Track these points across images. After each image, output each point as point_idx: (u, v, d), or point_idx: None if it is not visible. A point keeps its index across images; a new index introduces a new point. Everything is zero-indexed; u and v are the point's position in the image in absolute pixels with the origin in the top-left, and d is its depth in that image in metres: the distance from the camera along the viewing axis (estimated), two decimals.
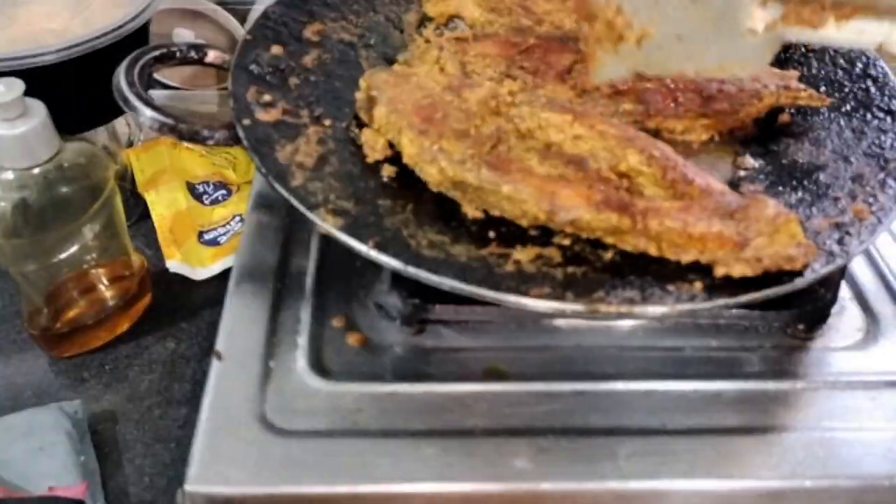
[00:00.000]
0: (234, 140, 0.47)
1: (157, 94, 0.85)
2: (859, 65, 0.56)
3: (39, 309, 0.60)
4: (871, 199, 0.45)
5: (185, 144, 0.80)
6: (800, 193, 0.47)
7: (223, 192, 0.72)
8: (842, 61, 0.56)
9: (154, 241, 0.70)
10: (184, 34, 0.84)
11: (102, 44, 0.64)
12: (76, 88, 0.67)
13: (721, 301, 0.39)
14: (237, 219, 0.70)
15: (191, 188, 0.75)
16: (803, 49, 0.58)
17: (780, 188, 0.48)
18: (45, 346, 0.61)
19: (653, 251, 0.41)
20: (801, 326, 0.47)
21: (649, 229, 0.41)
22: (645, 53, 0.47)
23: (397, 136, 0.46)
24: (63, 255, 0.61)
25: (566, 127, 0.46)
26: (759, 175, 0.50)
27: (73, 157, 0.62)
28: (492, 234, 0.44)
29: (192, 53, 0.51)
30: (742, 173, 0.50)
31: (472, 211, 0.44)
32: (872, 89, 0.54)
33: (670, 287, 0.40)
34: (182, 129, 0.46)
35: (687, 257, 0.41)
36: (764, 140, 0.52)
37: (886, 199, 0.45)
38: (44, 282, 0.61)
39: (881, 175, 0.47)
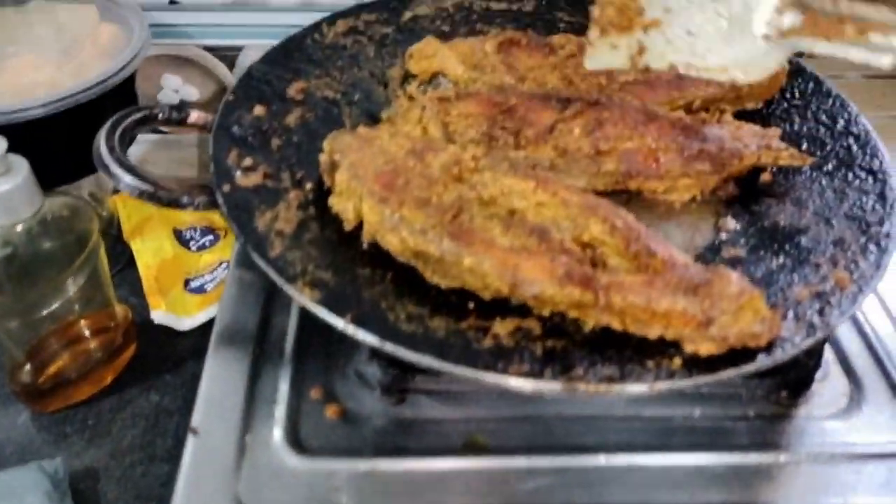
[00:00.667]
0: (215, 205, 0.47)
1: (143, 139, 0.85)
2: (841, 121, 0.56)
3: (21, 364, 0.60)
4: (852, 266, 0.45)
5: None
6: (781, 258, 0.47)
7: (210, 237, 0.72)
8: (824, 118, 0.56)
9: (140, 288, 0.70)
10: (172, 80, 0.84)
11: (89, 96, 0.65)
12: (63, 141, 0.68)
13: (701, 378, 0.39)
14: (224, 265, 0.70)
15: (177, 234, 0.75)
16: (785, 105, 0.58)
17: (762, 252, 0.48)
18: (27, 401, 0.60)
19: (617, 325, 0.41)
20: (784, 393, 0.47)
21: (612, 304, 0.41)
22: (648, 44, 0.46)
23: (358, 203, 0.46)
24: (46, 311, 0.61)
25: (528, 194, 0.46)
26: (740, 238, 0.50)
27: (57, 210, 0.61)
28: (471, 304, 0.44)
29: (175, 114, 0.51)
30: (723, 236, 0.50)
31: (437, 280, 0.44)
32: (854, 147, 0.54)
33: (650, 363, 0.40)
34: (161, 195, 0.46)
35: (652, 333, 0.41)
36: (746, 200, 0.52)
37: (868, 267, 0.45)
38: (26, 336, 0.61)
39: (862, 239, 0.47)
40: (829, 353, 0.50)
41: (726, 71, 0.45)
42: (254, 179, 0.48)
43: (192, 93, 0.85)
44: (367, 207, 0.45)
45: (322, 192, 0.49)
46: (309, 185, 0.50)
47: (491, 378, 0.38)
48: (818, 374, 0.48)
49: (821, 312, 0.42)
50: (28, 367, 0.60)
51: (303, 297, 0.41)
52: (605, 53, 0.47)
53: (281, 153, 0.51)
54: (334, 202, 0.47)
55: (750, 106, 0.58)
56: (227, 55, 0.82)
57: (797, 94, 0.58)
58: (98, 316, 0.65)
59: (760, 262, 0.47)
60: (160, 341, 0.68)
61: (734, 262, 0.47)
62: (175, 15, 0.78)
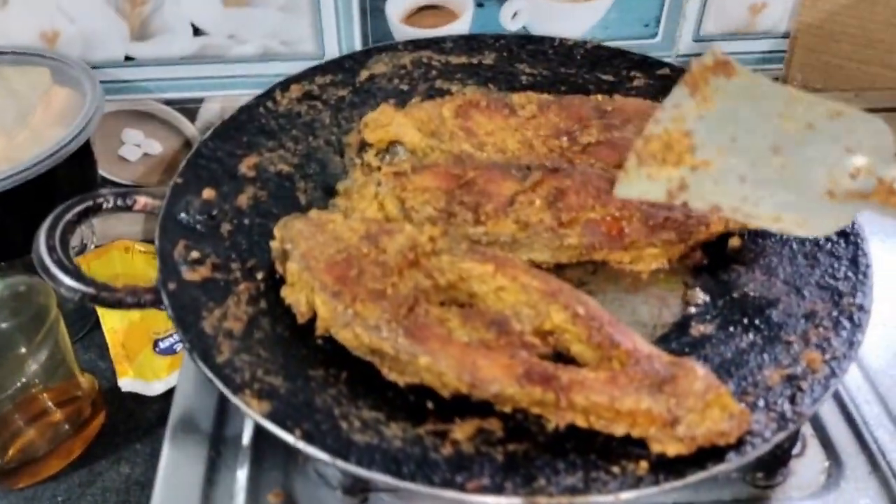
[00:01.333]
0: (161, 302, 0.45)
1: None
2: None
3: None
4: (824, 344, 0.43)
5: (139, 247, 0.78)
6: (751, 336, 0.45)
7: None
8: None
9: (108, 351, 0.68)
10: (133, 135, 0.82)
11: (43, 168, 0.62)
12: (18, 214, 0.65)
13: (668, 484, 0.37)
14: None
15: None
16: None
17: (731, 329, 0.46)
18: None
19: (581, 423, 0.40)
20: (759, 474, 0.45)
21: (574, 404, 0.39)
22: (691, 182, 0.42)
23: (311, 295, 0.44)
24: (9, 391, 0.59)
25: (488, 278, 0.44)
26: (709, 312, 0.48)
27: (11, 290, 0.60)
28: (430, 403, 0.42)
29: (120, 201, 0.49)
30: (692, 310, 0.48)
31: (394, 377, 0.42)
32: None
33: (615, 469, 0.38)
34: (104, 297, 0.44)
35: (618, 430, 0.39)
36: (714, 268, 0.51)
37: (840, 345, 0.43)
38: None
39: (834, 312, 0.45)
40: (806, 427, 0.48)
41: (780, 221, 0.42)
42: (202, 273, 0.46)
43: (155, 146, 0.83)
44: (320, 302, 0.44)
45: (274, 281, 0.47)
46: (260, 275, 0.48)
47: (449, 495, 0.36)
48: (794, 450, 0.46)
49: (792, 400, 0.41)
50: None
51: (250, 410, 0.39)
52: (640, 183, 0.43)
53: (231, 240, 0.49)
54: (286, 294, 0.46)
55: None
56: (188, 107, 0.80)
57: None
58: (62, 387, 0.63)
59: (730, 341, 0.45)
60: (129, 408, 0.67)
61: (703, 341, 0.45)
62: (132, 70, 0.76)
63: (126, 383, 0.67)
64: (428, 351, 0.40)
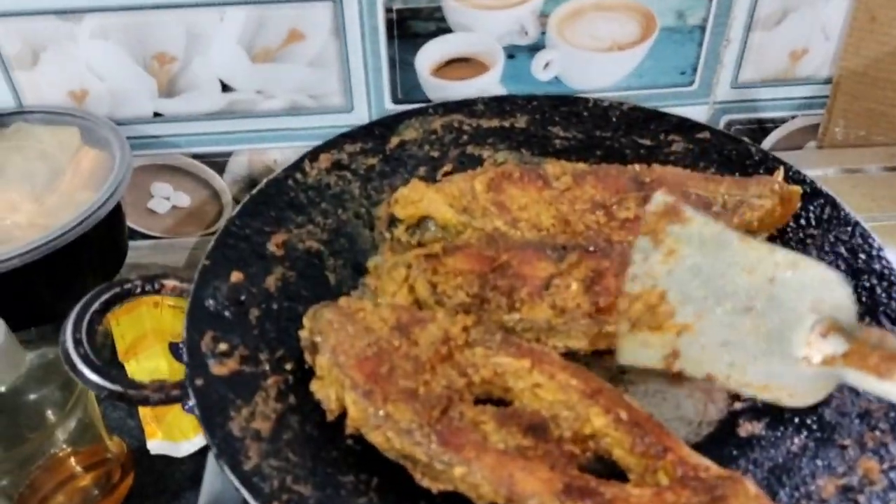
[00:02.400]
0: (187, 398, 0.44)
1: (137, 245, 0.83)
2: (862, 255, 0.52)
3: None
4: (881, 451, 0.41)
5: (167, 301, 0.78)
6: (803, 437, 0.43)
7: None
8: (843, 251, 0.52)
9: (137, 409, 0.67)
10: (162, 188, 0.82)
11: (72, 237, 0.62)
12: (46, 282, 0.65)
13: None
14: None
15: (173, 349, 0.72)
16: (801, 234, 0.54)
17: (781, 428, 0.44)
18: None
19: None
20: None
21: None
22: (682, 348, 0.42)
23: (341, 391, 0.43)
24: (39, 462, 0.58)
25: (524, 374, 0.42)
26: (756, 407, 0.46)
27: (41, 360, 0.59)
28: None
29: (148, 286, 0.48)
30: (738, 406, 0.46)
31: (427, 483, 0.41)
32: (878, 289, 0.49)
33: None
34: (131, 395, 0.43)
35: None
36: None
37: None
38: (14, 490, 0.59)
39: (892, 413, 0.43)
40: None
41: (769, 390, 0.41)
42: (230, 366, 0.45)
43: (184, 199, 0.83)
44: (350, 401, 0.42)
45: (303, 373, 0.46)
46: (289, 366, 0.47)
47: None
48: None
49: None
50: None
51: None
52: (637, 350, 0.44)
53: (260, 327, 0.48)
54: (315, 388, 0.44)
55: (761, 237, 0.54)
56: (217, 161, 0.80)
57: (813, 222, 0.54)
58: (91, 450, 0.63)
59: (780, 443, 0.43)
60: (157, 469, 0.66)
61: (751, 442, 0.43)
62: (160, 126, 0.76)
63: (155, 445, 0.66)
64: (463, 460, 0.39)
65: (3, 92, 0.72)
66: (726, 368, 0.41)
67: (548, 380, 0.42)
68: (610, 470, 0.41)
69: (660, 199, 0.43)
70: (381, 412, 0.41)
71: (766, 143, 0.82)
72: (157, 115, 0.76)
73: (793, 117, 0.80)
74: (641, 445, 0.39)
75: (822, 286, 0.39)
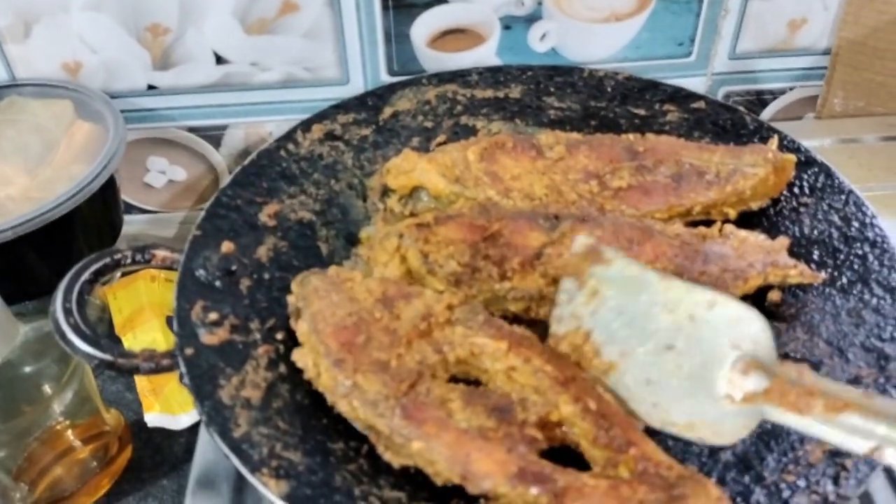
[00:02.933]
0: (178, 366, 0.44)
1: (133, 219, 0.83)
2: (856, 223, 0.51)
3: (10, 489, 0.58)
4: None
5: (163, 275, 0.78)
6: None
7: None
8: (836, 219, 0.52)
9: (134, 382, 0.67)
10: (158, 162, 0.82)
11: (65, 209, 0.62)
12: (40, 255, 0.65)
13: None
14: None
15: (170, 323, 0.72)
16: (794, 203, 0.54)
17: None
18: None
19: None
20: None
21: None
22: (611, 385, 0.42)
23: (317, 359, 0.43)
24: (35, 434, 0.59)
25: (500, 356, 0.42)
26: None
27: (36, 333, 0.60)
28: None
29: (138, 257, 0.48)
30: None
31: (389, 456, 0.41)
32: (870, 257, 0.49)
33: None
34: (122, 363, 0.43)
35: None
36: None
37: None
38: (12, 462, 0.59)
39: (881, 379, 0.43)
40: None
41: (694, 429, 0.40)
42: (220, 336, 0.45)
43: (180, 172, 0.83)
44: (323, 368, 0.42)
45: (294, 342, 0.46)
46: (280, 335, 0.47)
47: None
48: None
49: (835, 481, 0.38)
50: (21, 487, 0.58)
51: (268, 490, 0.38)
52: None
53: (251, 297, 0.48)
54: (297, 356, 0.44)
55: (755, 206, 0.53)
56: (212, 134, 0.80)
57: (807, 190, 0.54)
58: (88, 423, 0.63)
59: None
60: (155, 441, 0.67)
61: None
62: (155, 99, 0.76)
63: (152, 418, 0.66)
64: (422, 435, 0.39)
65: None
66: (650, 408, 0.41)
67: (523, 363, 0.42)
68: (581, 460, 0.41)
69: (581, 240, 0.45)
70: (350, 381, 0.41)
71: (765, 115, 0.81)
72: (151, 87, 0.75)
73: (791, 88, 0.80)
74: (605, 437, 0.39)
75: (741, 323, 0.39)
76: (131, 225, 0.85)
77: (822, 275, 0.48)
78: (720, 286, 0.47)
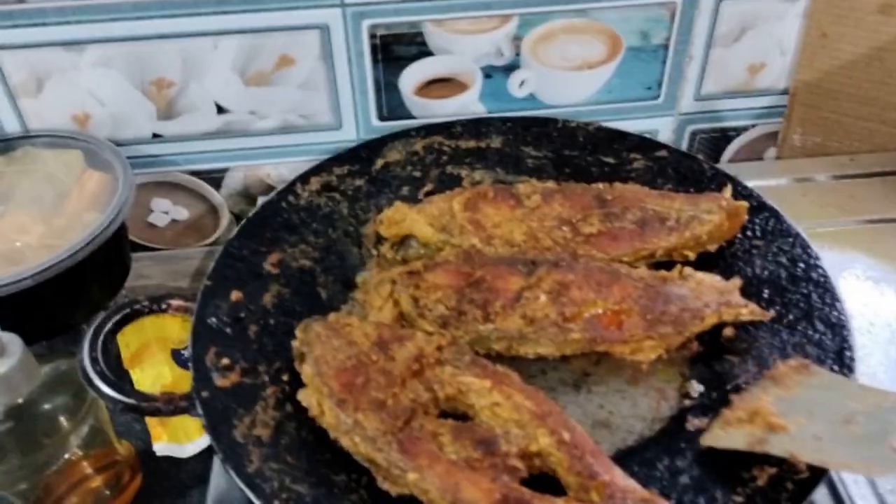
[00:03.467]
0: (194, 409, 0.49)
1: (138, 256, 0.88)
2: (801, 265, 0.57)
3: None
4: None
5: (170, 312, 0.82)
6: None
7: None
8: (784, 260, 0.58)
9: None
10: (161, 203, 0.86)
11: (80, 257, 0.66)
12: (55, 299, 0.70)
13: None
14: None
15: (176, 356, 0.76)
16: (747, 245, 0.60)
17: None
18: None
19: None
20: None
21: None
22: (770, 438, 0.46)
23: (321, 399, 0.48)
24: (53, 468, 0.63)
25: (485, 393, 0.47)
26: (703, 402, 0.51)
27: (54, 371, 0.63)
28: None
29: (155, 306, 0.53)
30: (688, 402, 0.52)
31: (387, 486, 0.46)
32: (814, 296, 0.55)
33: None
34: (144, 407, 0.48)
35: None
36: (710, 358, 0.54)
37: None
38: (31, 494, 0.63)
39: None
40: None
41: (850, 466, 0.45)
42: (232, 379, 0.50)
43: (182, 212, 0.87)
44: (327, 408, 0.48)
45: (299, 383, 0.51)
46: (286, 377, 0.52)
47: None
48: None
49: (776, 502, 0.44)
50: None
51: None
52: (723, 437, 0.48)
53: (258, 342, 0.53)
54: (302, 396, 0.50)
55: (712, 248, 0.59)
56: (214, 176, 0.84)
57: (758, 233, 0.60)
58: (101, 453, 0.66)
59: None
60: (164, 469, 0.69)
61: (698, 435, 0.49)
62: (159, 146, 0.80)
63: (160, 447, 0.70)
64: (417, 467, 0.44)
65: (10, 118, 0.76)
66: (814, 453, 0.44)
67: (505, 399, 0.48)
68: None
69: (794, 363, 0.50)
70: (351, 419, 0.47)
71: (729, 150, 0.87)
72: (156, 135, 0.80)
73: (753, 126, 0.85)
74: (578, 465, 0.45)
75: None
76: (136, 261, 0.89)
77: (770, 313, 0.54)
78: (679, 324, 0.53)
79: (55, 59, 0.72)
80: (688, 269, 0.56)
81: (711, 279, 0.55)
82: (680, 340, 0.53)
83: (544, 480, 0.46)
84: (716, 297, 0.53)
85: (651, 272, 0.56)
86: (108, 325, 0.50)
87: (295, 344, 0.51)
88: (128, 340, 0.79)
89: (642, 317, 0.53)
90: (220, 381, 0.50)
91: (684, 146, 0.84)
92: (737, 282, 0.55)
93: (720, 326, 0.55)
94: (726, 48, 0.78)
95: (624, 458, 0.48)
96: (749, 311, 0.53)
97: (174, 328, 0.79)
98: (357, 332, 0.51)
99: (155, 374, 0.75)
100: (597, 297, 0.53)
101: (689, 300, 0.53)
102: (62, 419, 0.62)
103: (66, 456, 0.63)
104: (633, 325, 0.52)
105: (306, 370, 0.49)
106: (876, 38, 0.76)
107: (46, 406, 0.62)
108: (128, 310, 0.52)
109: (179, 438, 0.71)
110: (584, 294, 0.53)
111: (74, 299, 0.71)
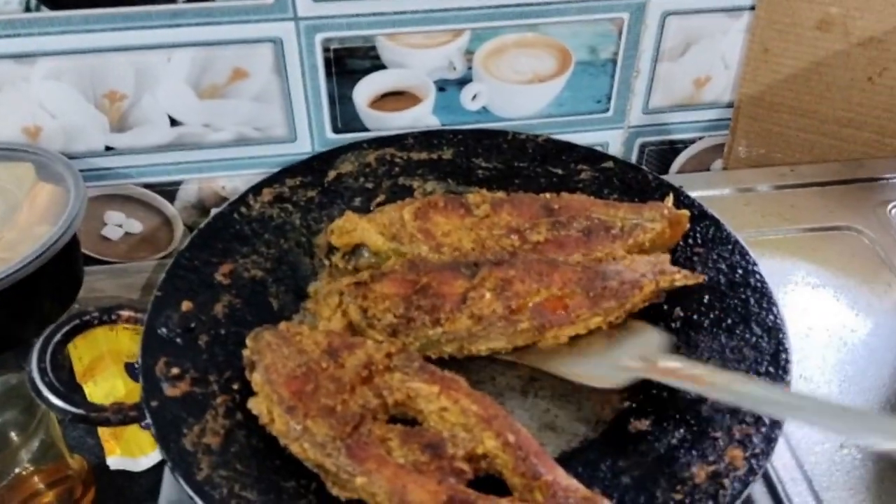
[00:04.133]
0: (144, 419, 0.49)
1: (91, 269, 0.87)
2: (740, 271, 0.59)
3: None
4: (746, 441, 0.48)
5: (122, 325, 0.82)
6: (682, 431, 0.50)
7: None
8: (724, 267, 0.60)
9: (95, 428, 0.71)
10: (115, 216, 0.86)
11: (31, 269, 0.66)
12: (5, 313, 0.69)
13: None
14: None
15: (129, 369, 0.76)
16: (688, 252, 0.61)
17: (665, 424, 0.51)
18: None
19: None
20: None
21: None
22: None
23: (271, 406, 0.48)
24: (3, 481, 0.62)
25: (433, 398, 0.48)
26: (646, 407, 0.53)
27: (3, 386, 0.63)
28: None
29: (105, 317, 0.53)
30: (628, 405, 0.53)
31: (336, 491, 0.46)
32: (752, 300, 0.57)
33: None
34: (93, 416, 0.48)
35: None
36: None
37: (760, 441, 0.48)
38: None
39: None
40: None
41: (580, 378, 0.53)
42: (182, 388, 0.50)
43: (136, 225, 0.87)
44: (276, 415, 0.48)
45: (249, 392, 0.52)
46: (236, 386, 0.52)
47: None
48: None
49: (714, 498, 0.45)
50: None
51: None
52: None
53: (209, 351, 0.54)
54: (252, 404, 0.50)
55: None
56: (167, 189, 0.84)
57: (699, 240, 0.62)
58: (53, 468, 0.66)
59: (663, 437, 0.50)
60: (117, 484, 0.69)
61: (639, 437, 0.50)
62: (112, 159, 0.80)
63: (114, 461, 0.70)
64: (364, 471, 0.45)
65: None
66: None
67: (452, 404, 0.49)
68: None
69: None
70: (301, 426, 0.47)
71: (677, 162, 0.89)
72: (108, 148, 0.80)
73: (700, 138, 0.88)
74: (522, 467, 0.46)
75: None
76: (89, 275, 0.88)
77: (702, 277, 0.56)
78: (621, 295, 0.55)
79: (5, 71, 0.72)
80: (619, 253, 0.58)
81: (643, 256, 0.57)
82: (622, 313, 0.55)
83: (490, 482, 0.47)
84: (650, 268, 0.56)
85: (586, 257, 0.57)
86: (57, 336, 0.50)
87: (245, 352, 0.52)
88: (80, 354, 0.78)
89: (585, 296, 0.54)
90: (169, 390, 0.50)
91: (633, 158, 0.86)
92: (666, 255, 0.57)
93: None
94: (672, 62, 0.80)
95: (569, 460, 0.49)
96: (682, 276, 0.55)
97: (127, 341, 0.79)
98: (307, 341, 0.51)
99: (108, 387, 0.74)
100: (539, 286, 0.55)
101: (626, 273, 0.55)
102: (12, 434, 0.61)
103: (17, 471, 0.62)
104: (577, 305, 0.54)
105: (256, 378, 0.50)
106: (815, 53, 0.79)
107: None
108: (77, 321, 0.52)
109: (133, 452, 0.71)
110: (526, 286, 0.55)
111: (25, 313, 0.71)
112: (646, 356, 0.52)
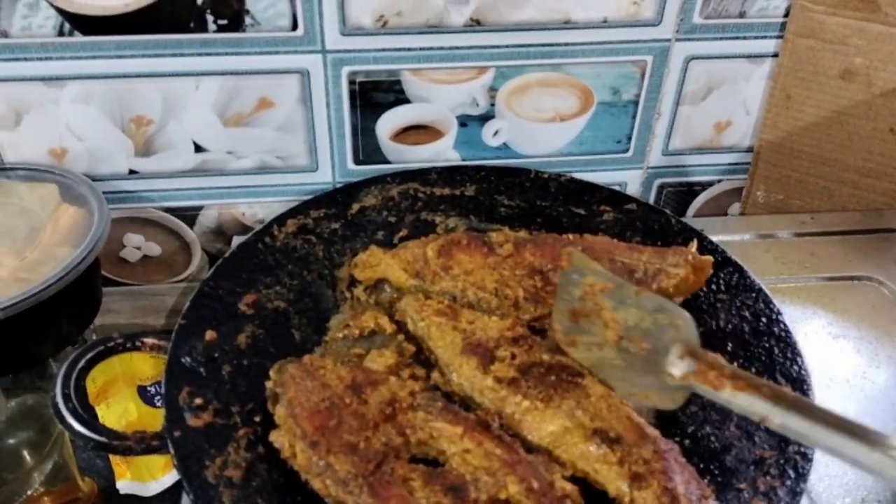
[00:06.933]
0: (167, 449, 0.49)
1: (109, 291, 0.87)
2: (764, 319, 0.59)
3: None
4: (771, 494, 0.48)
5: (144, 350, 0.82)
6: (706, 481, 0.50)
7: None
8: (748, 315, 0.60)
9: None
10: (134, 238, 0.86)
11: (52, 291, 0.66)
12: (26, 333, 0.69)
13: None
14: None
15: (142, 392, 0.76)
16: (711, 298, 0.61)
17: None
18: None
19: None
20: None
21: None
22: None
23: (293, 440, 0.48)
24: (16, 502, 0.62)
25: (456, 439, 0.48)
26: None
27: (20, 406, 0.63)
28: None
29: (129, 344, 0.53)
30: None
31: None
32: (776, 350, 0.57)
33: None
34: (115, 445, 0.48)
35: None
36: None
37: (784, 494, 0.48)
38: None
39: (781, 460, 0.50)
40: None
41: (649, 398, 0.51)
42: (204, 419, 0.50)
43: (154, 249, 0.87)
44: (299, 449, 0.48)
45: (271, 424, 0.52)
46: (258, 418, 0.52)
47: None
48: None
49: None
50: None
51: None
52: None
53: (232, 382, 0.54)
54: (274, 437, 0.50)
55: (678, 300, 0.61)
56: (188, 214, 0.85)
57: (723, 287, 0.62)
58: (63, 490, 0.66)
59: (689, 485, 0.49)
60: None
61: (665, 488, 0.50)
62: (135, 182, 0.81)
63: (123, 485, 0.69)
64: None
65: None
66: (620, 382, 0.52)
67: (476, 446, 0.48)
68: None
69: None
70: (323, 462, 0.47)
71: (695, 204, 0.90)
72: (132, 172, 0.80)
73: (719, 181, 0.88)
74: None
75: (678, 321, 0.49)
76: (107, 296, 0.88)
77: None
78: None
79: (35, 93, 0.73)
80: None
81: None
82: None
83: None
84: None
85: None
86: (82, 363, 0.50)
87: (269, 385, 0.52)
88: (94, 376, 0.78)
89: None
90: (192, 420, 0.50)
91: (652, 199, 0.87)
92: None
93: None
94: (694, 106, 0.81)
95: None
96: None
97: (141, 364, 0.78)
98: (331, 375, 0.51)
99: (121, 409, 0.74)
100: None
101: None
102: (26, 454, 0.61)
103: (29, 492, 0.62)
104: None
105: (279, 411, 0.49)
106: (837, 102, 0.79)
107: (11, 441, 0.62)
108: (101, 347, 0.52)
109: (143, 477, 0.70)
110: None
111: (44, 333, 0.71)
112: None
